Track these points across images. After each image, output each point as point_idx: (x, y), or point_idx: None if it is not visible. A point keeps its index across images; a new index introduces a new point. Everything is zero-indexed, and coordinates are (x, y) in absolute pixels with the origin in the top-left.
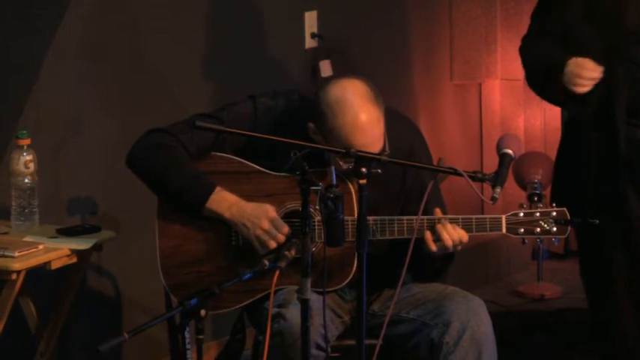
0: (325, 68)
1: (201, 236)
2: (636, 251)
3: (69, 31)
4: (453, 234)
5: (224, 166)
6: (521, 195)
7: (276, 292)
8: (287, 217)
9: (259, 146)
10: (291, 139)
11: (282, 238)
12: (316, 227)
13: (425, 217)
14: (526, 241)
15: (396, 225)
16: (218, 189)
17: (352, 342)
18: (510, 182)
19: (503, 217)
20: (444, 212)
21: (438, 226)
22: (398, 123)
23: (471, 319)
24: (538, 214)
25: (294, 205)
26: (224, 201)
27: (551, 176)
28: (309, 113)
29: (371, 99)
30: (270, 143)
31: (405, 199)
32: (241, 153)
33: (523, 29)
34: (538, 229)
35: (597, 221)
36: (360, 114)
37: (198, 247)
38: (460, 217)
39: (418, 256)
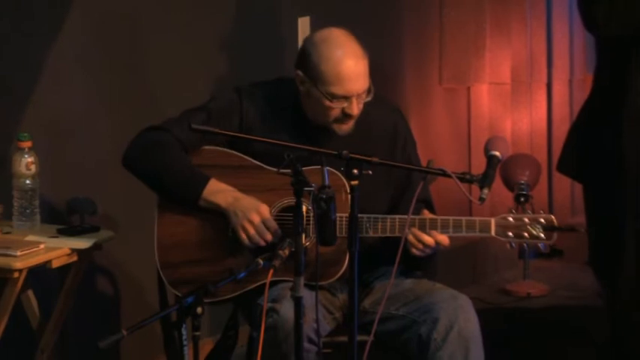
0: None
1: (200, 230)
2: None
3: (69, 35)
4: (427, 240)
5: (223, 160)
6: (509, 196)
7: (269, 286)
8: (282, 211)
9: (252, 134)
10: (277, 116)
11: (269, 236)
12: (310, 223)
13: (416, 217)
14: (513, 245)
15: (388, 222)
16: (213, 181)
17: (344, 338)
18: (498, 183)
19: (493, 220)
20: (431, 207)
21: (410, 237)
22: (381, 104)
23: (459, 317)
24: (527, 219)
25: (289, 201)
26: (219, 192)
27: (545, 171)
28: (294, 91)
29: (354, 39)
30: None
31: (394, 185)
32: (231, 142)
33: (511, 35)
34: (526, 234)
35: (583, 229)
36: (345, 48)
37: (196, 241)
38: (451, 218)
39: (404, 252)
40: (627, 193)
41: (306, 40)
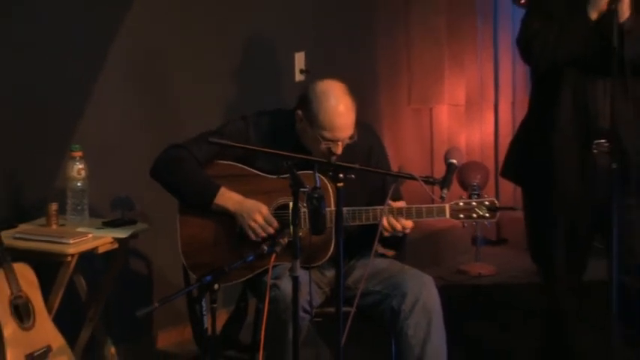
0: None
1: (213, 226)
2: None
3: (113, 65)
4: (395, 225)
5: (231, 171)
6: (464, 195)
7: (272, 268)
8: (279, 209)
9: (253, 153)
10: (278, 145)
11: (271, 230)
12: (302, 216)
13: (387, 207)
14: (465, 224)
15: (364, 214)
16: (222, 189)
17: (332, 309)
18: (455, 185)
19: (447, 205)
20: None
21: (389, 219)
22: (360, 128)
23: (423, 292)
24: (474, 203)
25: (284, 200)
26: (228, 198)
27: (493, 176)
28: (290, 121)
29: (348, 94)
30: (266, 154)
31: (370, 189)
32: (240, 158)
33: (465, 65)
34: (474, 215)
35: (517, 208)
36: (339, 102)
37: (211, 234)
38: (414, 206)
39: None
40: (556, 201)
41: (310, 88)
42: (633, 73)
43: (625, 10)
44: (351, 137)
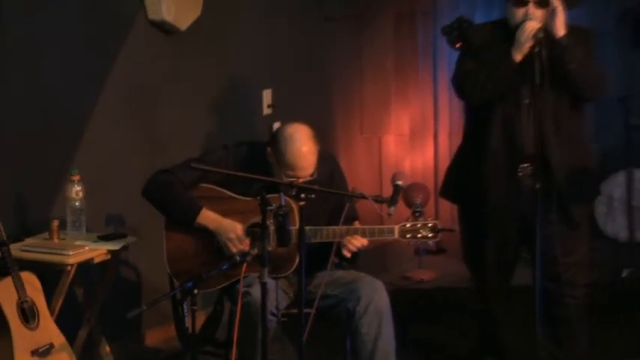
0: (277, 128)
1: (194, 240)
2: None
3: (108, 98)
4: (355, 243)
5: (212, 193)
6: (408, 212)
7: (244, 277)
8: (252, 226)
9: (232, 178)
10: (254, 171)
11: (243, 247)
12: (271, 234)
13: (344, 227)
14: (411, 243)
15: (324, 232)
16: (204, 210)
17: (295, 311)
18: (400, 203)
19: (396, 227)
20: (359, 221)
21: (347, 238)
22: (322, 156)
23: (375, 296)
24: (419, 225)
25: (256, 219)
26: (208, 218)
27: (433, 195)
28: (264, 152)
29: (311, 138)
30: (241, 177)
31: (330, 209)
32: (220, 182)
33: (409, 100)
34: (419, 235)
35: (454, 230)
36: (303, 146)
37: (192, 247)
38: (367, 227)
39: (338, 251)
40: (488, 218)
41: (279, 130)
42: (576, 87)
43: (559, 28)
44: (311, 175)
